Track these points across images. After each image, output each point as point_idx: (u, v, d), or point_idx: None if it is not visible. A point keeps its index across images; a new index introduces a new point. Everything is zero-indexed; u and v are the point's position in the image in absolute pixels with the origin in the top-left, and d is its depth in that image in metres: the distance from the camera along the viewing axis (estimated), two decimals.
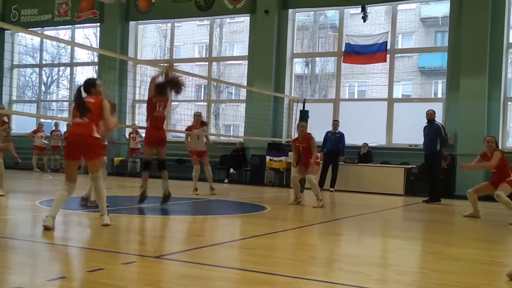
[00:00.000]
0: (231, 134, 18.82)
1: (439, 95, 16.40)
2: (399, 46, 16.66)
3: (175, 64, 18.98)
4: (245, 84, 16.75)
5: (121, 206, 9.30)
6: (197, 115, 11.70)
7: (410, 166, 14.03)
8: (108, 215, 6.30)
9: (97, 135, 6.05)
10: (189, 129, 11.71)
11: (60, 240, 5.51)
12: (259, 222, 7.33)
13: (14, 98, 20.37)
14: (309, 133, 9.88)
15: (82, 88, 6.21)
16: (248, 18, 17.19)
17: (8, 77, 20.68)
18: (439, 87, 16.75)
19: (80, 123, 6.02)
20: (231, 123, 18.95)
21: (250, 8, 16.85)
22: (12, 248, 4.81)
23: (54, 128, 18.68)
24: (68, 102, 20.68)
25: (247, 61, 17.25)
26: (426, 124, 11.70)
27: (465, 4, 14.12)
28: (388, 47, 15.31)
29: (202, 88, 20.05)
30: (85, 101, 6.06)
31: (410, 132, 14.28)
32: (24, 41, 21.75)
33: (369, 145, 14.75)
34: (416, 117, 13.11)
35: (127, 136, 17.85)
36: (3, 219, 7.03)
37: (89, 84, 6.26)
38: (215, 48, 18.55)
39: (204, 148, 11.69)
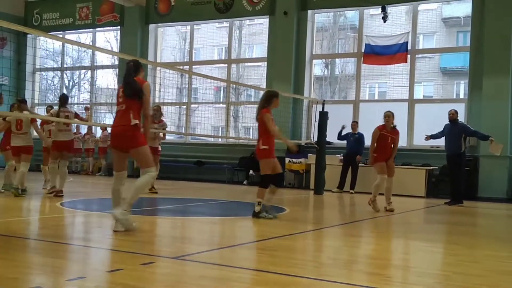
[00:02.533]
0: (250, 136, 18.81)
1: (461, 96, 16.18)
2: (420, 47, 16.49)
3: (194, 66, 19.20)
4: (264, 86, 16.74)
5: (140, 208, 9.35)
6: (155, 110, 11.10)
7: (431, 167, 13.86)
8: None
9: (135, 122, 5.72)
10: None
11: (79, 241, 5.55)
12: (278, 223, 7.29)
13: (36, 101, 20.65)
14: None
15: (131, 68, 5.93)
16: (267, 19, 17.19)
17: (31, 80, 20.99)
18: (461, 88, 16.53)
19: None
20: (250, 125, 18.94)
21: (269, 9, 16.85)
22: (32, 249, 4.86)
23: (75, 130, 18.88)
24: (89, 105, 20.90)
25: (266, 63, 17.24)
26: (448, 123, 11.50)
27: (487, 3, 13.93)
28: (409, 47, 15.16)
29: (221, 90, 20.09)
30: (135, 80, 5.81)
31: (431, 133, 14.08)
32: (45, 45, 22.06)
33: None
34: (437, 118, 12.95)
35: None
36: (24, 220, 7.11)
37: (138, 65, 6.06)
38: (234, 50, 18.58)
39: (156, 144, 11.10)
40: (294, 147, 8.39)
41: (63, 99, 10.02)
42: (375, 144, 9.42)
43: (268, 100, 7.49)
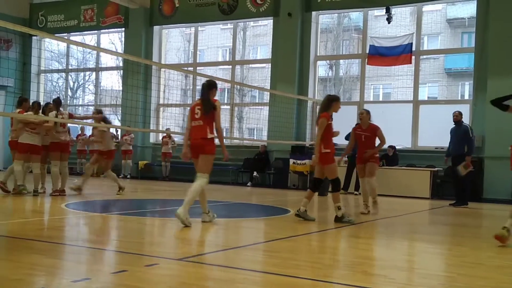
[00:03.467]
0: (255, 137, 18.82)
1: (466, 97, 16.14)
2: (425, 48, 16.47)
3: (198, 68, 19.23)
4: (269, 87, 16.75)
5: (145, 209, 9.37)
6: (94, 113, 11.27)
7: (436, 169, 13.83)
8: (208, 213, 7.03)
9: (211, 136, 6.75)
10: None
11: (84, 242, 5.56)
12: (282, 225, 7.30)
13: (41, 103, 20.70)
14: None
15: (207, 87, 6.86)
16: (271, 21, 17.20)
17: (36, 82, 21.06)
18: (466, 89, 16.49)
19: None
20: (255, 126, 18.94)
21: (273, 11, 16.85)
22: (37, 250, 4.87)
23: (80, 132, 18.95)
24: (94, 107, 20.97)
25: (270, 64, 17.25)
26: (453, 126, 11.50)
27: (492, 4, 13.90)
28: (413, 48, 15.14)
29: (226, 92, 20.10)
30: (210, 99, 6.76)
31: (436, 134, 14.08)
32: (50, 46, 22.13)
33: (396, 147, 14.60)
34: (442, 119, 12.92)
35: (161, 140, 18.00)
36: (30, 221, 7.13)
37: (213, 85, 6.98)
38: (238, 51, 18.59)
39: (107, 148, 11.04)
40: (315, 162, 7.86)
41: (59, 102, 10.37)
42: (353, 143, 9.23)
43: (328, 104, 7.60)
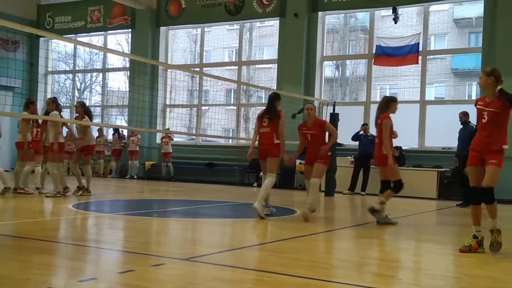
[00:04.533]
0: None
1: (473, 97, 16.06)
2: (432, 48, 16.41)
3: (205, 69, 19.27)
4: (275, 88, 16.74)
5: (151, 209, 9.40)
6: (76, 106, 10.77)
7: (443, 169, 13.78)
8: (269, 207, 7.95)
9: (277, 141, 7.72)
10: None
11: (91, 242, 5.59)
12: (288, 225, 7.30)
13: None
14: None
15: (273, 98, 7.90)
16: (278, 21, 17.19)
17: (43, 83, 21.16)
18: (473, 89, 16.43)
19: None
20: None
21: (279, 11, 16.85)
22: (44, 250, 4.89)
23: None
24: (100, 108, 21.06)
25: (276, 65, 17.24)
26: (461, 126, 11.49)
27: (499, 4, 13.83)
28: (420, 48, 15.09)
29: (232, 92, 20.12)
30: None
31: (443, 134, 14.02)
32: (58, 47, 22.23)
33: (402, 148, 14.56)
34: (449, 119, 12.86)
35: (160, 141, 18.05)
36: (36, 221, 7.16)
37: (278, 97, 8.01)
38: (244, 52, 18.61)
39: (89, 142, 10.75)
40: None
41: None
42: (302, 145, 8.27)
43: (387, 105, 7.68)
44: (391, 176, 7.66)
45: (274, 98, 7.95)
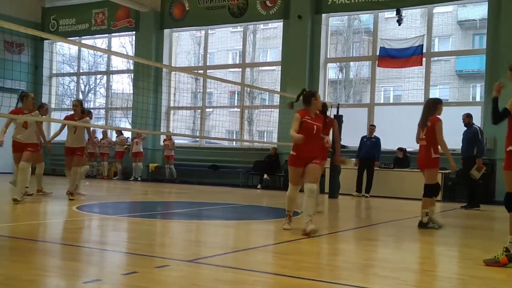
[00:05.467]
0: (265, 139, 18.83)
1: (478, 99, 16.04)
2: (436, 50, 16.39)
3: (208, 71, 19.28)
4: (279, 90, 16.75)
5: (155, 211, 9.41)
6: (75, 105, 10.02)
7: (448, 171, 13.72)
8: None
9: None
10: (67, 119, 10.17)
11: (95, 244, 5.60)
12: (292, 227, 7.28)
13: (53, 106, 20.86)
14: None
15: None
16: (281, 23, 17.21)
17: (48, 85, 21.24)
18: (478, 91, 16.39)
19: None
20: (265, 128, 18.94)
21: (283, 13, 16.86)
22: (49, 252, 4.92)
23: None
24: (104, 110, 21.10)
25: (280, 67, 17.25)
26: (465, 128, 11.48)
27: (503, 5, 13.81)
28: (424, 50, 15.08)
29: (236, 94, 20.14)
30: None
31: (447, 136, 13.82)
32: (62, 50, 22.30)
33: (406, 150, 14.55)
34: (453, 121, 12.79)
35: (162, 143, 18.12)
36: (41, 223, 7.20)
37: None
38: (248, 54, 18.62)
39: (80, 144, 10.06)
40: (454, 168, 7.99)
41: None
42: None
43: (435, 107, 7.65)
44: (430, 179, 7.56)
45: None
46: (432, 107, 7.67)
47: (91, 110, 11.73)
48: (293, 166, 6.53)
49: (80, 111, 10.00)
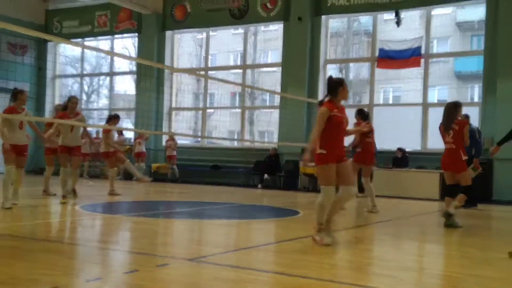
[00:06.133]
0: (265, 140, 18.95)
1: (476, 100, 16.13)
2: (434, 51, 16.48)
3: (210, 72, 19.37)
4: (279, 91, 16.87)
5: (157, 211, 9.51)
6: (73, 102, 9.60)
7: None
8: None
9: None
10: (60, 117, 9.60)
11: (97, 243, 5.68)
12: (292, 226, 7.37)
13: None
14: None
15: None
16: (282, 25, 17.31)
17: (51, 86, 21.37)
18: (476, 92, 16.48)
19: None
20: (265, 129, 19.09)
21: (283, 15, 16.97)
22: (51, 251, 4.97)
23: (95, 135, 19.18)
24: (108, 111, 21.21)
25: (281, 68, 17.36)
26: None
27: (501, 7, 13.90)
28: (423, 51, 15.18)
29: (237, 95, 20.26)
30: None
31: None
32: (65, 52, 22.43)
33: (405, 150, 14.66)
34: None
35: (164, 143, 18.22)
36: (45, 222, 7.27)
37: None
38: (249, 55, 18.73)
39: (77, 143, 9.72)
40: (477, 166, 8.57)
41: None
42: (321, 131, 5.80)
43: (457, 110, 7.94)
44: (465, 181, 7.76)
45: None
46: (454, 111, 7.92)
47: (115, 114, 11.54)
48: (329, 163, 5.63)
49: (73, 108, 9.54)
